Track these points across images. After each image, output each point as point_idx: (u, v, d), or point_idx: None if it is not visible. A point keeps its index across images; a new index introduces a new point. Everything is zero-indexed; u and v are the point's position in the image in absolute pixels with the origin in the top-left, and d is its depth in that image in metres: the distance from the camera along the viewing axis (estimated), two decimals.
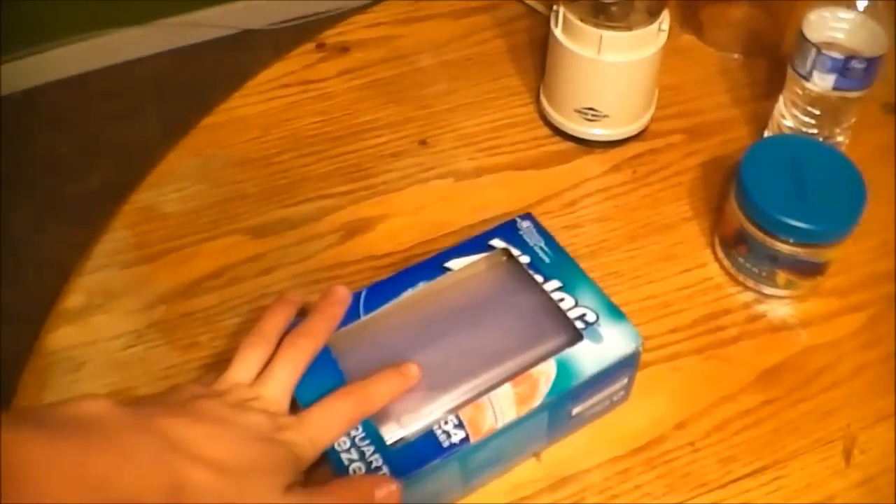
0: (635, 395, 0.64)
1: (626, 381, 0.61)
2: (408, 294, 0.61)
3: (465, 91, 0.84)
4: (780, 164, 0.66)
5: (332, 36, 0.90)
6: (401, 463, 0.53)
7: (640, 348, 0.58)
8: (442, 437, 0.54)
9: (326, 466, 0.54)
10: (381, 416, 0.56)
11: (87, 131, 2.11)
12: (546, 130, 0.81)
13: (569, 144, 0.80)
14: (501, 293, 0.62)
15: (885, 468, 0.62)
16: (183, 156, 0.79)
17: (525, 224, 0.64)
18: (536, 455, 0.61)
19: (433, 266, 0.62)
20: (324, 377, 0.57)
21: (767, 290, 0.69)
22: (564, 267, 0.62)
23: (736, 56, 0.87)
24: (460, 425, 0.54)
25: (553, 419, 0.58)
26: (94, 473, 0.44)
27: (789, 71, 0.72)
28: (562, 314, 0.59)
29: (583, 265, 0.68)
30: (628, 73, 0.75)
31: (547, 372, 0.56)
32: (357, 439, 0.54)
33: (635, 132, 0.79)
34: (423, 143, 0.80)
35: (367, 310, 0.61)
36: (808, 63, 0.69)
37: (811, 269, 0.67)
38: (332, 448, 0.54)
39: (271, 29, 2.27)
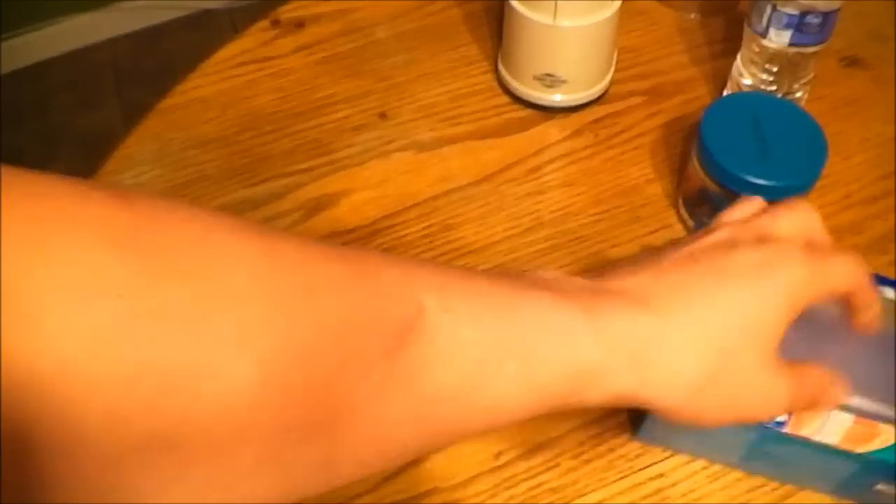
0: None
1: None
2: None
3: (423, 62, 0.84)
4: (740, 121, 0.66)
5: (286, 12, 0.89)
6: None
7: None
8: None
9: None
10: None
11: (47, 121, 2.09)
12: (506, 98, 0.81)
13: (529, 111, 0.80)
14: None
15: None
16: (141, 140, 0.78)
17: None
18: (828, 493, 0.59)
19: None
20: None
21: None
22: None
23: (693, 15, 0.87)
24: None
25: (856, 478, 0.56)
26: (565, 334, 0.40)
27: (746, 28, 0.72)
28: None
29: (548, 231, 0.68)
30: (585, 38, 0.74)
31: (890, 435, 0.53)
32: None
33: (595, 96, 0.79)
34: (382, 115, 0.80)
35: None
36: (764, 20, 0.69)
37: None
38: None
39: (228, 8, 2.24)
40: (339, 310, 0.35)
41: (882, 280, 0.58)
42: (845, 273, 0.45)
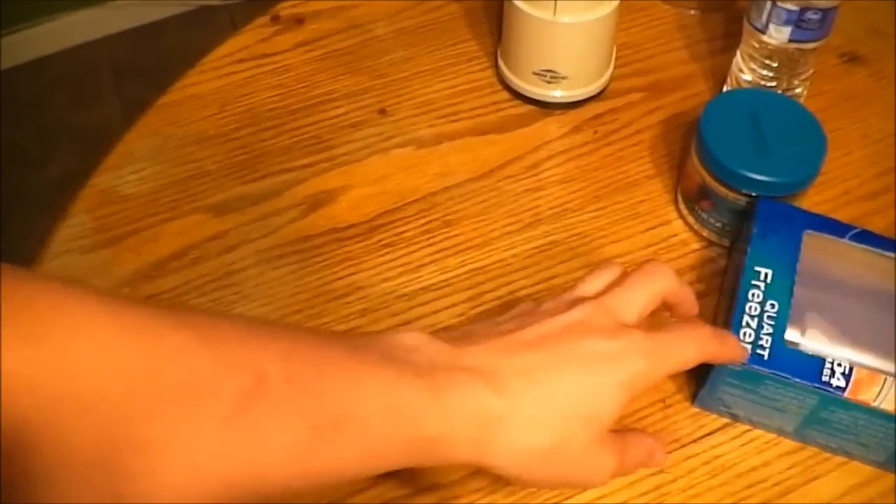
0: None
1: None
2: (891, 255, 0.61)
3: (423, 58, 0.84)
4: (739, 117, 0.66)
5: (286, 8, 0.88)
6: (779, 360, 0.55)
7: None
8: (826, 371, 0.55)
9: None
10: (794, 318, 0.57)
11: (46, 118, 2.08)
12: (505, 94, 0.80)
13: (529, 107, 0.79)
14: None
15: None
16: (140, 136, 0.78)
17: None
18: (877, 464, 0.60)
19: None
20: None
21: None
22: None
23: (693, 11, 0.87)
24: (847, 376, 0.55)
25: None
26: (404, 409, 0.43)
27: (745, 24, 0.72)
28: None
29: (547, 227, 0.68)
30: (585, 34, 0.74)
31: None
32: (765, 317, 0.57)
33: (595, 92, 0.79)
34: (382, 112, 0.80)
35: (852, 241, 0.62)
36: (764, 16, 0.69)
37: None
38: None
39: (227, 4, 2.24)
40: (178, 377, 0.38)
41: None
42: (685, 353, 0.50)
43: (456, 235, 0.71)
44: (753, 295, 0.58)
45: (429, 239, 0.71)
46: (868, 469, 0.60)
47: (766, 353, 0.56)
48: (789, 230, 0.61)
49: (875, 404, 0.55)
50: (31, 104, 2.11)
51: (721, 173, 0.65)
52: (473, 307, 0.67)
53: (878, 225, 0.72)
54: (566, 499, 0.59)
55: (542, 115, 0.79)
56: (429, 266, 0.70)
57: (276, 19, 0.88)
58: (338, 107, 0.80)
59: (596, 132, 0.78)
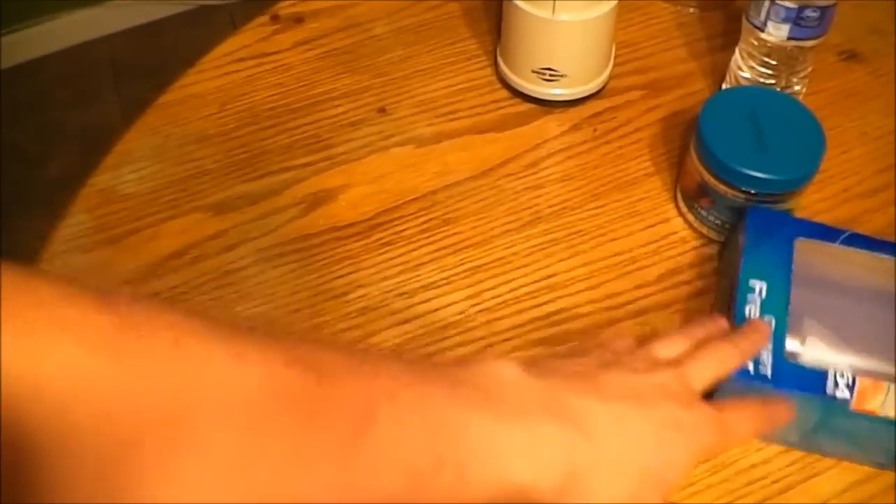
0: None
1: None
2: (883, 256, 0.61)
3: (422, 57, 0.84)
4: (738, 115, 0.66)
5: (285, 7, 0.89)
6: (782, 376, 0.55)
7: None
8: (830, 384, 0.55)
9: None
10: (792, 327, 0.57)
11: (46, 117, 2.08)
12: (505, 93, 0.80)
13: (528, 106, 0.79)
14: None
15: None
16: (140, 136, 0.78)
17: None
18: (878, 465, 0.60)
19: None
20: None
21: None
22: None
23: (692, 9, 0.87)
24: (851, 387, 0.55)
25: None
26: (502, 453, 0.43)
27: (744, 22, 0.72)
28: None
29: (546, 225, 0.68)
30: (584, 32, 0.74)
31: None
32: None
33: (594, 90, 0.79)
34: (381, 110, 0.80)
35: (843, 244, 0.61)
36: (763, 13, 0.69)
37: None
38: None
39: (227, 3, 2.24)
40: (295, 415, 0.38)
41: None
42: (745, 432, 0.52)
43: (455, 234, 0.71)
44: (750, 310, 0.58)
45: (428, 237, 0.71)
46: (867, 467, 0.60)
47: (768, 370, 0.55)
48: (780, 238, 0.61)
49: (882, 413, 0.54)
50: (30, 103, 2.11)
51: (720, 171, 0.65)
52: (473, 305, 0.67)
53: (877, 222, 0.72)
54: None
55: (542, 113, 0.79)
56: (428, 264, 0.70)
57: (275, 18, 0.88)
58: (337, 105, 0.80)
59: (595, 130, 0.78)
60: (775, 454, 0.61)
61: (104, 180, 0.75)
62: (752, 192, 0.64)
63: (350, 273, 0.69)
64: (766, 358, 0.56)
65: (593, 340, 0.54)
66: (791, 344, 0.57)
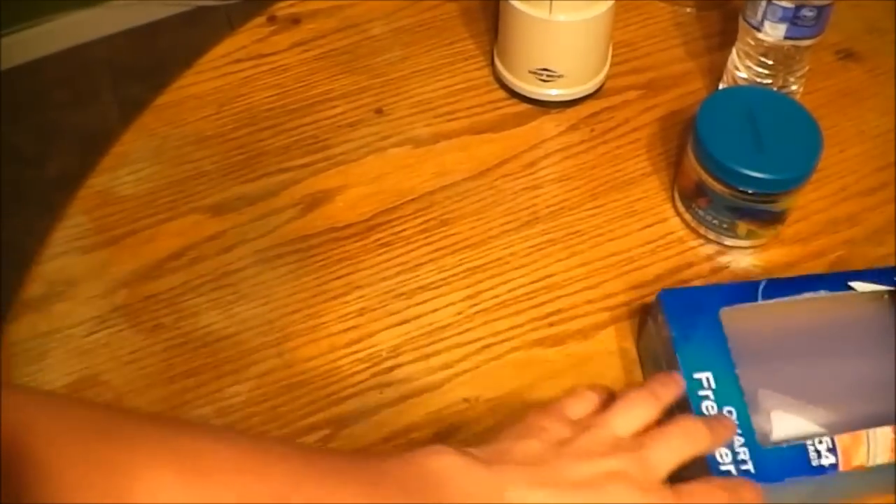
0: (603, 344, 0.65)
1: None
2: (806, 296, 0.60)
3: (419, 57, 0.84)
4: (735, 115, 0.66)
5: (283, 8, 0.88)
6: (766, 468, 0.53)
7: None
8: (812, 455, 0.53)
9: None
10: (755, 408, 0.56)
11: (44, 118, 2.08)
12: (502, 93, 0.80)
13: (525, 106, 0.79)
14: None
15: None
16: (137, 137, 0.78)
17: None
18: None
19: (837, 280, 0.61)
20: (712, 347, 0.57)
21: (729, 242, 0.69)
22: None
23: (689, 9, 0.87)
24: (833, 450, 0.53)
25: None
26: None
27: (741, 22, 0.72)
28: None
29: (544, 226, 0.68)
30: (581, 32, 0.74)
31: None
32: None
33: (591, 90, 0.79)
34: (379, 111, 0.80)
35: (765, 297, 0.60)
36: (759, 13, 0.69)
37: (771, 218, 0.67)
38: None
39: (224, 4, 2.24)
40: None
41: (854, 276, 0.60)
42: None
43: (453, 234, 0.71)
44: (707, 407, 0.55)
45: (426, 238, 0.71)
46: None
47: (751, 466, 0.53)
48: (705, 316, 0.59)
49: (871, 464, 0.54)
50: (28, 104, 2.11)
51: (718, 170, 0.65)
52: (471, 306, 0.67)
53: (875, 221, 0.72)
54: None
55: (539, 113, 0.79)
56: (426, 265, 0.70)
57: (272, 19, 0.88)
58: (335, 106, 0.80)
59: (592, 130, 0.78)
60: None
61: (102, 181, 0.75)
62: (750, 191, 0.64)
63: (348, 274, 0.69)
64: (745, 454, 0.53)
65: (552, 409, 0.52)
66: (758, 424, 0.56)
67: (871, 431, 0.54)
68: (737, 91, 0.73)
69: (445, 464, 0.44)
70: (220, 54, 0.85)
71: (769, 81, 0.74)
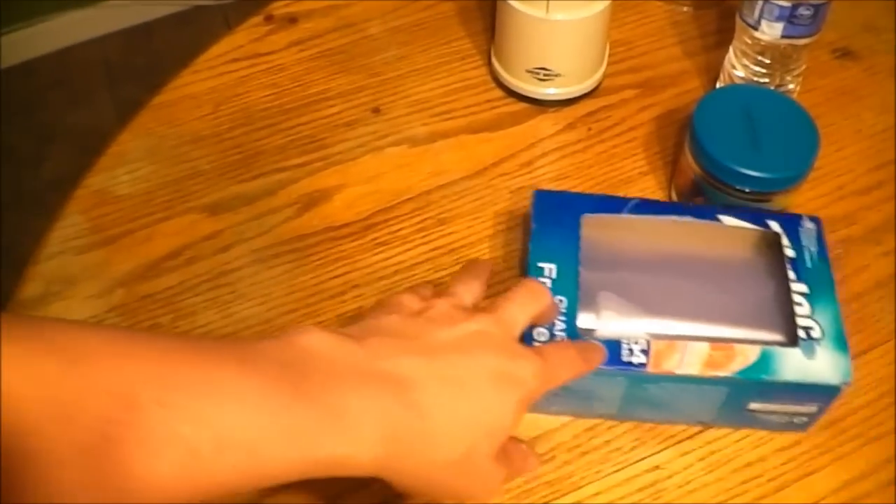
0: None
1: (814, 409, 0.59)
2: (672, 219, 0.62)
3: (416, 56, 0.84)
4: (732, 114, 0.66)
5: (279, 7, 0.88)
6: None
7: (844, 387, 0.56)
8: (625, 352, 0.56)
9: None
10: (586, 303, 0.58)
11: (39, 119, 2.08)
12: (499, 92, 0.80)
13: (522, 105, 0.79)
14: (750, 268, 0.62)
15: (850, 410, 0.63)
16: (134, 136, 0.78)
17: (810, 226, 0.63)
18: (704, 425, 0.62)
19: (708, 211, 0.63)
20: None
21: None
22: (821, 280, 0.60)
23: (685, 8, 0.87)
24: (646, 352, 0.56)
25: (729, 401, 0.58)
26: (301, 431, 0.41)
27: (738, 20, 0.72)
28: (791, 316, 0.58)
29: None
30: (578, 31, 0.74)
31: (747, 354, 0.56)
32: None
33: (588, 90, 0.79)
34: (376, 110, 0.80)
35: (631, 213, 0.62)
36: (756, 12, 0.69)
37: None
38: None
39: (221, 3, 2.24)
40: (38, 407, 0.36)
41: (725, 210, 0.63)
42: (564, 375, 0.52)
43: (450, 233, 0.71)
44: None
45: (423, 237, 0.71)
46: (863, 464, 0.60)
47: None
48: (568, 218, 0.62)
49: (679, 372, 0.55)
50: (25, 105, 2.10)
51: (715, 169, 0.65)
52: None
53: (872, 219, 0.72)
54: (562, 496, 0.59)
55: (536, 112, 0.79)
56: (423, 264, 0.70)
57: (269, 19, 0.87)
58: (332, 106, 0.80)
59: (590, 129, 0.78)
60: (771, 452, 0.61)
61: (98, 181, 0.75)
62: (747, 190, 0.64)
63: (345, 273, 0.69)
64: (560, 335, 0.56)
65: (402, 291, 0.53)
66: (586, 320, 0.58)
67: (689, 343, 0.56)
68: (734, 90, 0.73)
69: (316, 340, 0.44)
70: (216, 54, 0.85)
71: (766, 80, 0.74)
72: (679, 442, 0.61)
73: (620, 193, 0.73)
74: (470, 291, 0.54)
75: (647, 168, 0.75)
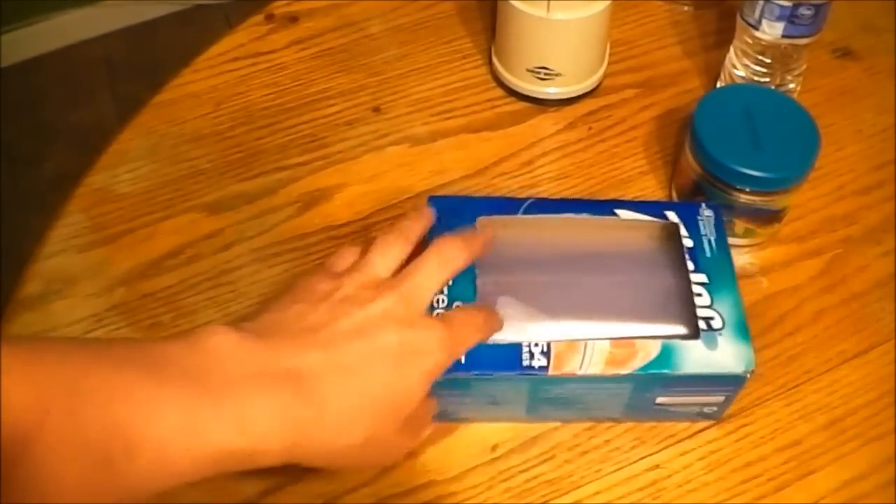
0: None
1: (721, 399, 0.59)
2: (568, 216, 0.62)
3: (417, 56, 0.84)
4: (733, 113, 0.66)
5: (280, 6, 0.88)
6: (477, 359, 0.55)
7: (748, 375, 0.56)
8: (525, 356, 0.55)
9: None
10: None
11: (40, 117, 2.08)
12: (499, 91, 0.81)
13: (523, 104, 0.80)
14: (649, 261, 0.61)
15: (850, 410, 0.63)
16: (135, 135, 0.78)
17: (708, 213, 0.63)
18: (615, 421, 0.62)
19: (604, 206, 0.63)
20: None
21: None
22: (720, 269, 0.60)
23: (686, 7, 0.87)
24: (546, 354, 0.55)
25: (635, 397, 0.58)
26: (207, 430, 0.43)
27: (739, 20, 0.72)
28: (692, 308, 0.58)
29: None
30: (579, 31, 0.74)
31: (648, 349, 0.56)
32: None
33: (589, 89, 0.79)
34: (376, 109, 0.80)
35: (526, 213, 0.62)
36: (757, 11, 0.69)
37: (768, 217, 0.67)
38: None
39: (221, 3, 2.24)
40: None
41: (621, 204, 0.63)
42: (470, 340, 0.54)
43: None
44: (439, 301, 0.57)
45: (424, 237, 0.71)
46: (863, 463, 0.60)
47: (462, 357, 0.55)
48: (463, 222, 0.61)
49: (581, 372, 0.55)
50: (25, 103, 2.10)
51: (715, 169, 0.65)
52: None
53: (872, 219, 0.72)
54: (561, 495, 0.59)
55: (537, 111, 0.79)
56: None
57: (270, 18, 0.88)
58: (332, 105, 0.80)
59: (590, 129, 0.78)
60: (772, 451, 0.61)
61: (99, 180, 0.75)
62: (747, 189, 0.64)
63: None
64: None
65: (316, 269, 0.55)
66: None
67: (590, 343, 0.56)
68: (734, 89, 0.73)
69: (220, 342, 0.46)
70: (217, 52, 0.85)
71: (767, 80, 0.74)
72: (679, 441, 0.61)
73: (620, 193, 0.73)
74: (389, 258, 0.54)
75: (647, 168, 0.75)
